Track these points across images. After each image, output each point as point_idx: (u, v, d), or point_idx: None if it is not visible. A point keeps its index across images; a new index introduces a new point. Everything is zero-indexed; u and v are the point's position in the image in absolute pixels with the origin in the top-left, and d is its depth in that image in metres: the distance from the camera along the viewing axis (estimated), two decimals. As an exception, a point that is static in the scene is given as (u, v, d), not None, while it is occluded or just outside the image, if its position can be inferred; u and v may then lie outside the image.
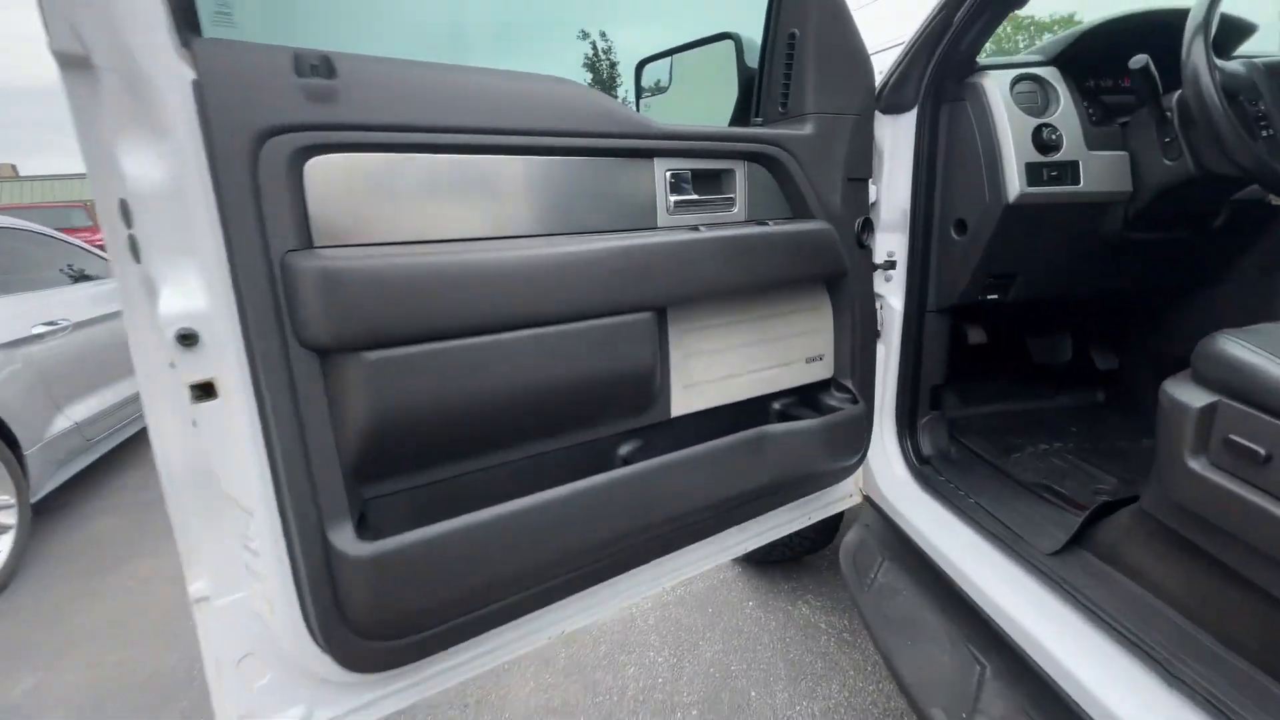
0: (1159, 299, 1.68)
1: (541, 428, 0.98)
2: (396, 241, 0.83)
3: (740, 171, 1.18)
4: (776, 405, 1.33)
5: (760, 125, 1.28)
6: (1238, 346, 0.96)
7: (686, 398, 1.15)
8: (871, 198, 1.56)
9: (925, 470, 1.53)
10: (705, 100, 1.51)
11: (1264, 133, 1.09)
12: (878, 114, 1.51)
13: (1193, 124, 1.19)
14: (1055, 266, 1.49)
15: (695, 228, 1.09)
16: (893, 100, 1.46)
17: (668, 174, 1.08)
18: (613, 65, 22.15)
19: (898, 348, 1.57)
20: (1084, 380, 1.87)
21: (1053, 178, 1.30)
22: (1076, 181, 1.31)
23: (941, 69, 1.36)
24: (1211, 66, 1.04)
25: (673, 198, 1.10)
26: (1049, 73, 1.36)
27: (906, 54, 1.40)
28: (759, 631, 2.08)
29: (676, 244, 1.03)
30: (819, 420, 1.24)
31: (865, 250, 1.37)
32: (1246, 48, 1.40)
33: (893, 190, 1.52)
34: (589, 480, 0.97)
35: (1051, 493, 1.37)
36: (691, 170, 1.12)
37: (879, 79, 1.47)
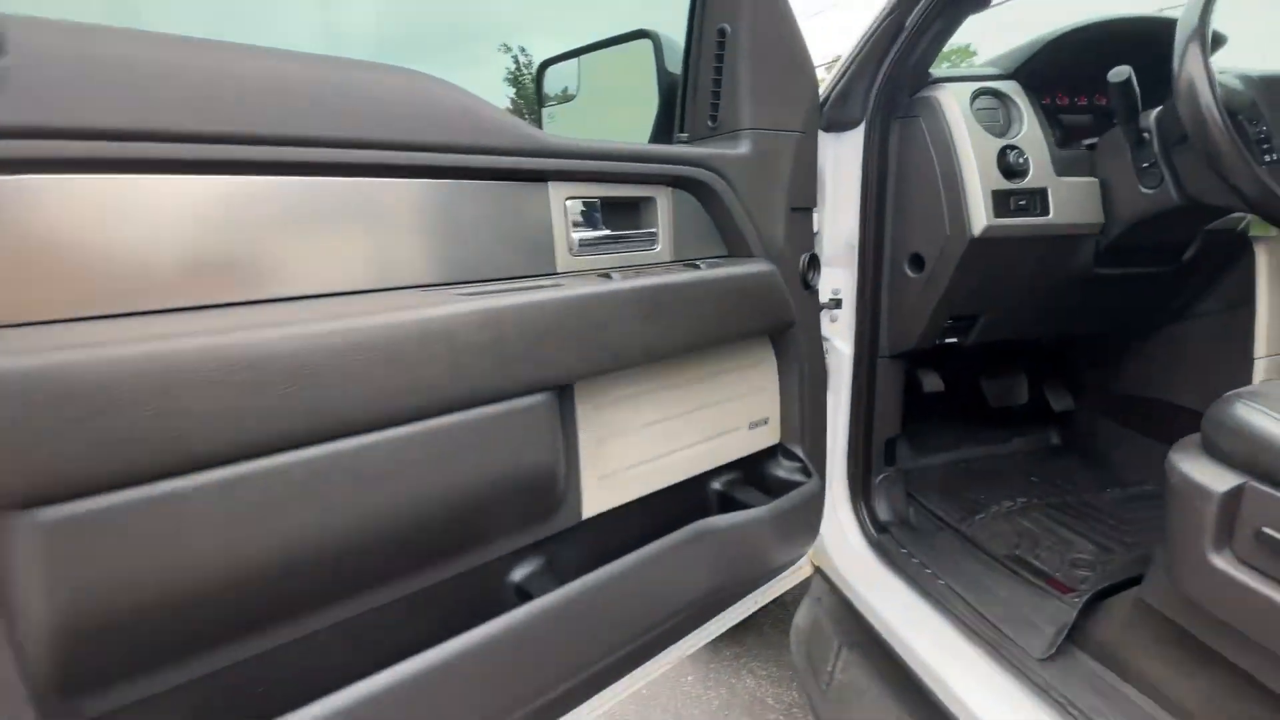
0: (1118, 335, 1.56)
1: (390, 567, 0.68)
2: (117, 314, 0.52)
3: (663, 200, 0.94)
4: (716, 485, 1.09)
5: (685, 142, 1.04)
6: (1265, 417, 0.79)
7: (603, 492, 0.89)
8: (814, 227, 1.36)
9: (883, 540, 1.32)
10: (624, 112, 1.26)
11: (1267, 158, 0.95)
12: (819, 132, 1.31)
13: (1178, 147, 1.04)
14: (1020, 307, 1.32)
15: (607, 274, 0.83)
16: (836, 116, 1.26)
17: (569, 203, 0.82)
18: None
19: (847, 398, 1.37)
20: (1038, 421, 1.73)
21: (1020, 207, 1.13)
22: (1045, 212, 1.14)
23: (891, 81, 1.17)
24: (1212, 80, 0.88)
25: (577, 234, 0.84)
26: (1010, 88, 1.19)
27: (851, 63, 1.20)
28: (699, 714, 1.82)
29: (583, 299, 0.77)
30: (767, 508, 1.01)
31: (811, 292, 1.15)
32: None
33: (837, 219, 1.32)
34: (464, 639, 0.68)
35: (1027, 568, 1.19)
36: (602, 199, 0.87)
37: (824, 91, 1.27)
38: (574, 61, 1.30)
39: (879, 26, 1.14)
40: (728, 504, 1.07)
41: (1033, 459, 1.67)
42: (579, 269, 0.84)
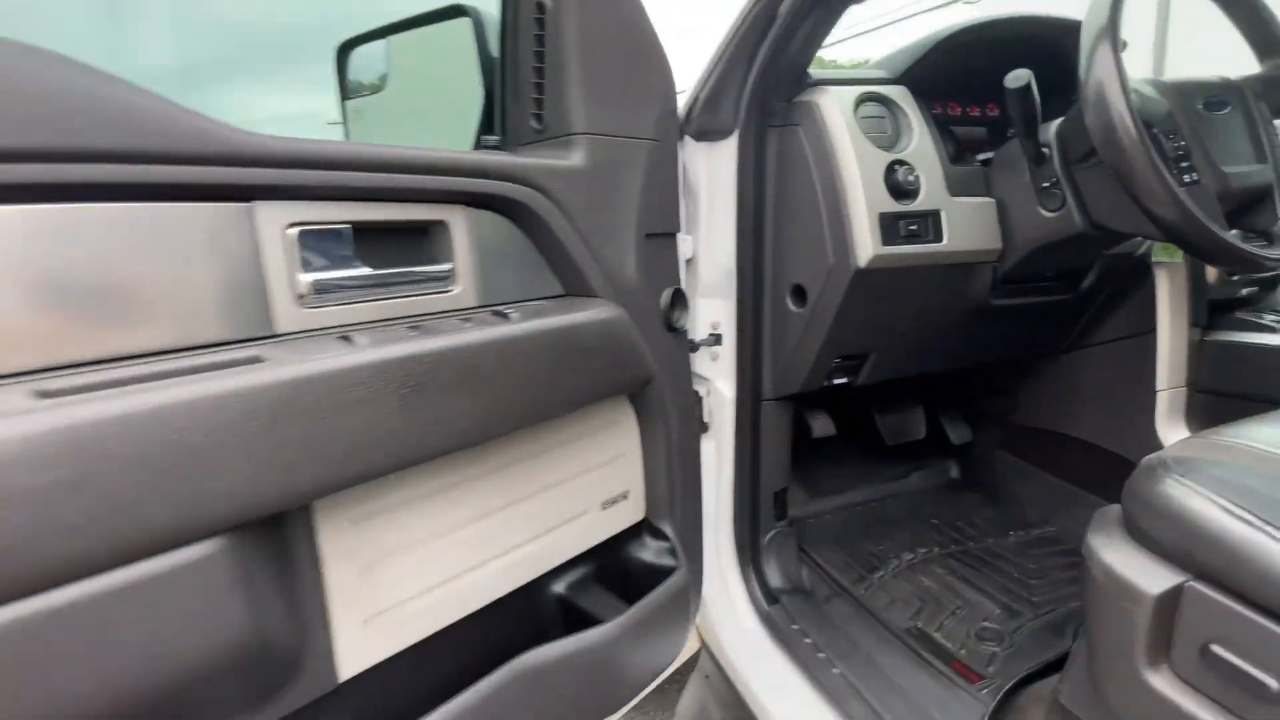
0: (1015, 363, 1.46)
1: None
2: None
3: (462, 226, 0.69)
4: (559, 588, 0.86)
5: (495, 148, 0.80)
6: (1201, 498, 0.64)
7: (372, 639, 0.63)
8: (688, 253, 1.16)
9: (774, 613, 1.14)
10: (451, 108, 1.00)
11: (1187, 178, 0.82)
12: (689, 141, 1.11)
13: (1082, 164, 0.91)
14: (913, 342, 1.17)
15: (347, 338, 0.58)
16: (708, 122, 1.07)
17: (291, 232, 0.57)
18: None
19: (731, 445, 1.17)
20: (937, 453, 1.61)
21: (911, 233, 0.96)
22: (938, 238, 0.98)
23: (765, 82, 0.99)
24: (1125, 85, 0.74)
25: (309, 277, 0.58)
26: (898, 94, 1.03)
27: (720, 59, 1.00)
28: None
29: (309, 381, 0.51)
30: (617, 622, 0.78)
31: (679, 334, 0.95)
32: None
33: (713, 243, 1.12)
34: None
35: (931, 646, 1.03)
36: (356, 224, 0.61)
37: (692, 92, 1.07)
38: (383, 44, 1.04)
39: (749, 16, 0.94)
40: (571, 616, 0.84)
41: (933, 496, 1.54)
42: (314, 327, 0.58)
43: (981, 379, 1.54)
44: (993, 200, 1.03)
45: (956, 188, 1.01)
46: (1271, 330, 1.17)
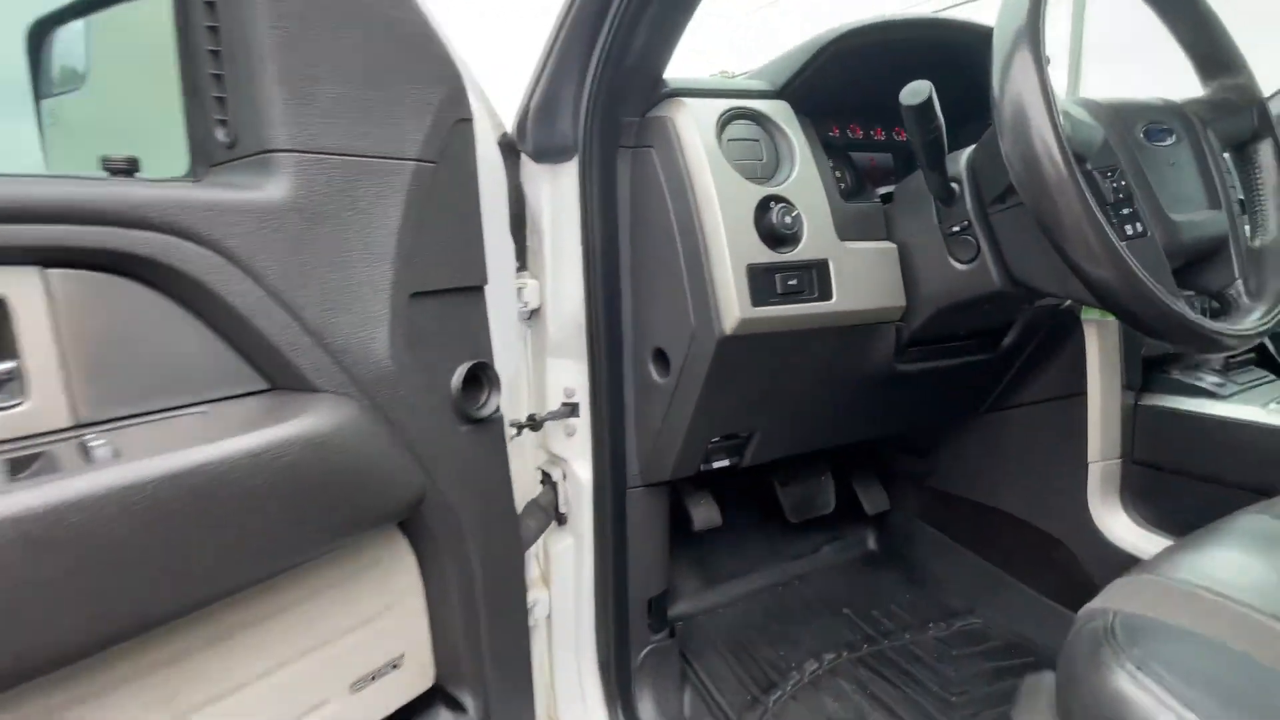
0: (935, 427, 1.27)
1: None
2: None
3: (30, 300, 0.42)
4: None
5: (124, 173, 0.53)
6: (1156, 700, 0.44)
7: None
8: (534, 301, 0.92)
9: None
10: (163, 114, 0.73)
11: (1129, 229, 0.62)
12: (528, 162, 0.88)
13: (1000, 205, 0.71)
14: (804, 417, 0.96)
15: None
16: (542, 139, 0.83)
17: None
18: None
19: (591, 540, 0.93)
20: (851, 519, 1.41)
21: (791, 289, 0.75)
22: (826, 295, 0.77)
23: (608, 89, 0.76)
24: (1052, 105, 0.54)
25: None
26: (778, 110, 0.82)
27: (547, 57, 0.77)
28: None
29: None
30: None
31: (486, 424, 0.69)
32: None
33: (561, 292, 0.88)
34: None
35: None
36: None
37: (522, 101, 0.83)
38: (82, 24, 0.76)
39: (575, 2, 0.71)
40: None
41: (847, 574, 1.34)
42: None
43: (897, 436, 1.34)
44: (894, 246, 0.82)
45: (850, 229, 0.80)
46: (1209, 394, 1.01)
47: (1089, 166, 0.63)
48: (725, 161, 0.74)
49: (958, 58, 0.89)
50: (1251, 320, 0.63)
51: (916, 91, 0.64)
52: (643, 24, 0.71)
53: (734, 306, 0.71)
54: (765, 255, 0.73)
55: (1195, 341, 0.59)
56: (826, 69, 0.84)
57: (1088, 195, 0.55)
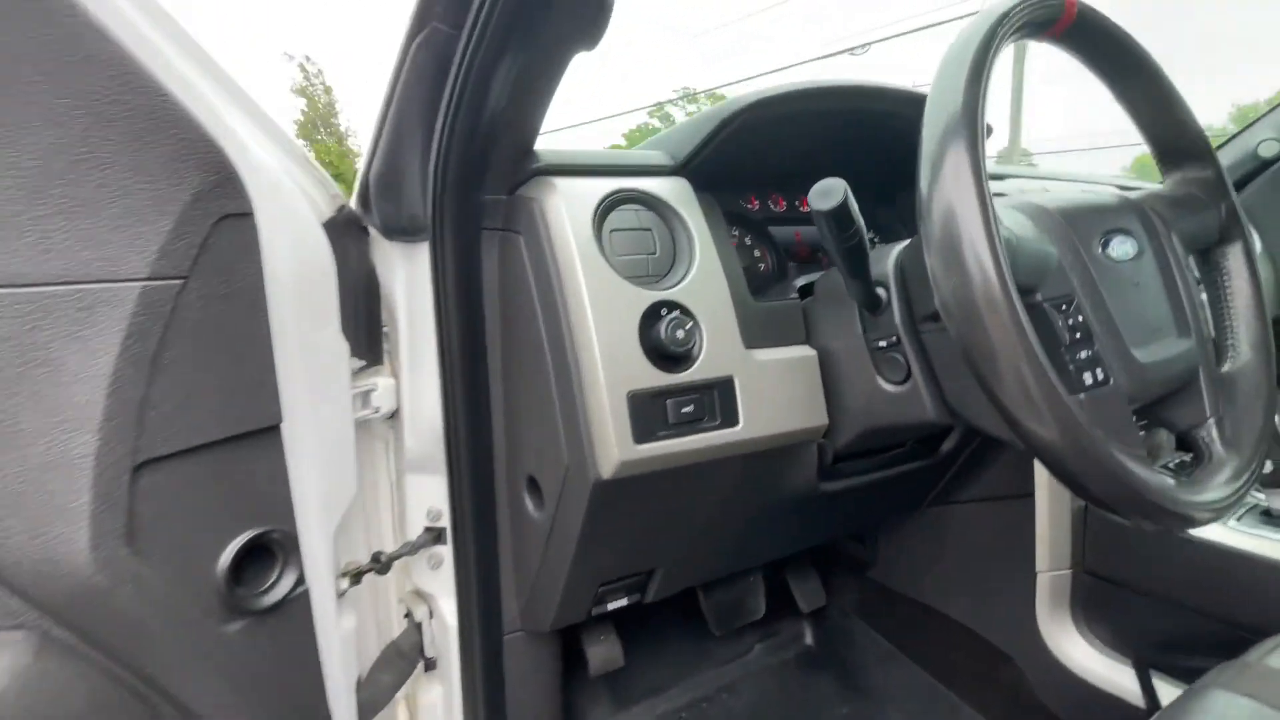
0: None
1: None
2: None
3: None
4: None
5: None
6: None
7: None
8: (387, 404, 0.76)
9: None
10: None
11: (1088, 376, 0.50)
12: (378, 238, 0.72)
13: (933, 324, 0.58)
14: (715, 547, 0.82)
15: None
16: (389, 214, 0.68)
17: None
18: (329, 91, 19.31)
19: (459, 694, 0.76)
20: (787, 613, 1.27)
21: (686, 419, 0.60)
22: (731, 420, 0.63)
23: (457, 159, 0.60)
24: (991, 220, 0.42)
25: None
26: (675, 191, 0.68)
27: (384, 113, 0.61)
28: None
29: None
30: None
31: (277, 611, 0.52)
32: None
33: (421, 393, 0.73)
34: None
35: None
36: None
37: (362, 167, 0.67)
38: None
39: (412, 44, 0.56)
40: None
41: (779, 680, 1.19)
42: None
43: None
44: (814, 353, 0.69)
45: (761, 334, 0.66)
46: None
47: (1039, 298, 0.51)
48: (603, 260, 0.59)
49: (893, 122, 0.77)
50: (1223, 481, 0.52)
51: (828, 193, 0.51)
52: (496, 82, 0.56)
53: (611, 447, 0.57)
54: (653, 378, 0.59)
55: (1162, 519, 0.47)
56: (739, 138, 0.71)
57: (1033, 342, 0.42)
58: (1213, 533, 0.82)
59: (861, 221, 0.54)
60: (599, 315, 0.57)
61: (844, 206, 0.51)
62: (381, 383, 0.76)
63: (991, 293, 0.43)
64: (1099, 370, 0.50)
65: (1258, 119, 1.48)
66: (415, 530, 0.78)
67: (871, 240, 0.83)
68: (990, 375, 0.45)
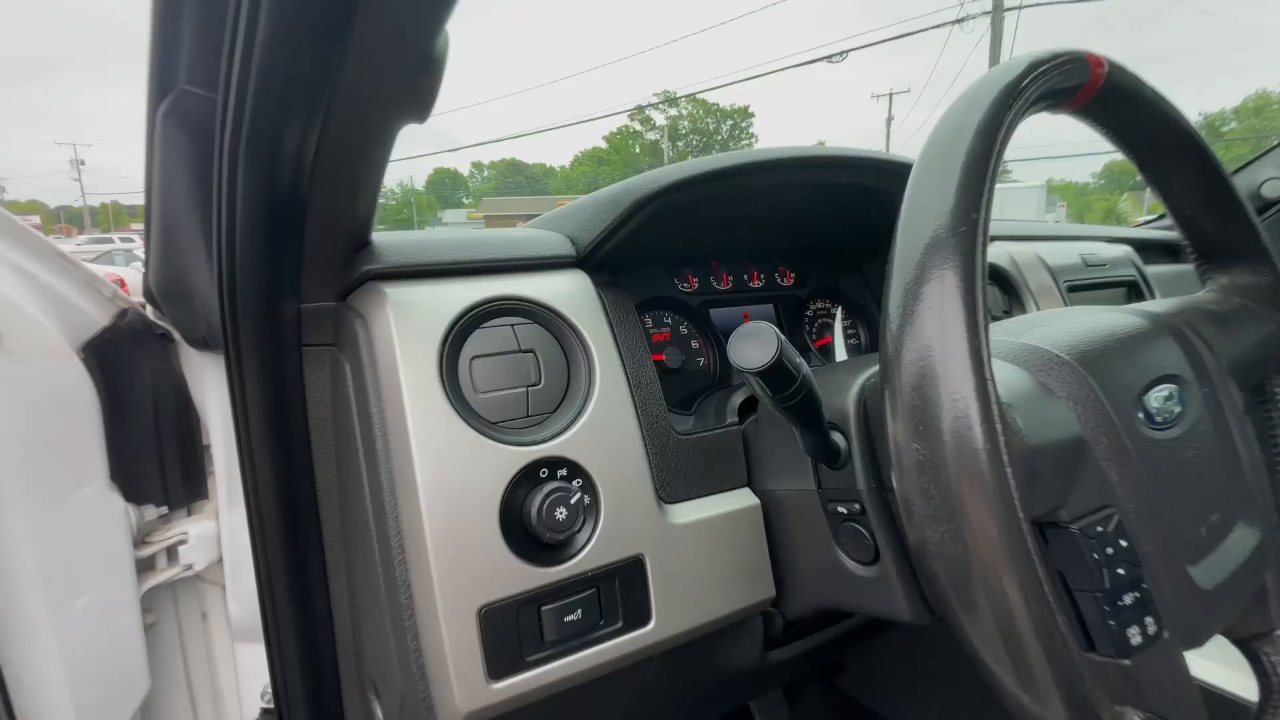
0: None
1: None
2: None
3: None
4: None
5: None
6: None
7: None
8: (206, 555, 0.58)
9: None
10: None
11: (1136, 631, 0.34)
12: (186, 348, 0.55)
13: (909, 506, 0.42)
14: None
15: None
16: (183, 321, 0.50)
17: None
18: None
19: None
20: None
21: (573, 631, 0.43)
22: (640, 619, 0.46)
23: (251, 258, 0.42)
24: (990, 396, 0.26)
25: None
26: (569, 293, 0.51)
27: (148, 200, 0.43)
28: None
29: None
30: None
31: None
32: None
33: (243, 540, 0.55)
34: None
35: None
36: None
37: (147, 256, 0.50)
38: None
39: (157, 113, 0.38)
40: None
41: None
42: None
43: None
44: (756, 501, 0.52)
45: (685, 478, 0.50)
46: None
47: (1064, 516, 0.35)
48: (449, 406, 0.42)
49: (856, 194, 0.61)
50: None
51: (755, 347, 0.34)
52: (283, 159, 0.38)
53: (450, 690, 0.39)
54: (520, 579, 0.42)
55: None
56: (658, 217, 0.54)
57: (1051, 599, 0.27)
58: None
59: (804, 372, 0.37)
60: (436, 491, 0.40)
61: (778, 366, 0.35)
62: (195, 531, 0.58)
63: (990, 520, 0.27)
64: (1148, 619, 0.34)
65: (1257, 156, 1.35)
66: (251, 713, 0.61)
67: (828, 319, 0.68)
68: (987, 651, 0.29)
